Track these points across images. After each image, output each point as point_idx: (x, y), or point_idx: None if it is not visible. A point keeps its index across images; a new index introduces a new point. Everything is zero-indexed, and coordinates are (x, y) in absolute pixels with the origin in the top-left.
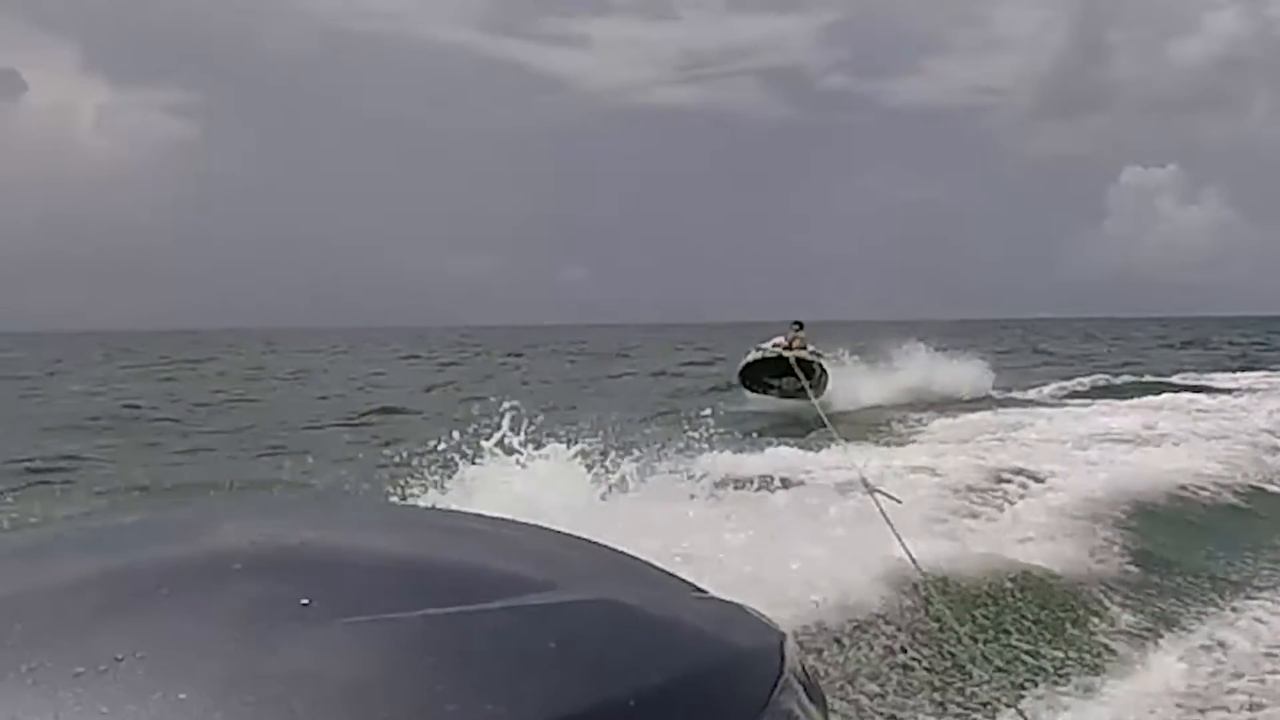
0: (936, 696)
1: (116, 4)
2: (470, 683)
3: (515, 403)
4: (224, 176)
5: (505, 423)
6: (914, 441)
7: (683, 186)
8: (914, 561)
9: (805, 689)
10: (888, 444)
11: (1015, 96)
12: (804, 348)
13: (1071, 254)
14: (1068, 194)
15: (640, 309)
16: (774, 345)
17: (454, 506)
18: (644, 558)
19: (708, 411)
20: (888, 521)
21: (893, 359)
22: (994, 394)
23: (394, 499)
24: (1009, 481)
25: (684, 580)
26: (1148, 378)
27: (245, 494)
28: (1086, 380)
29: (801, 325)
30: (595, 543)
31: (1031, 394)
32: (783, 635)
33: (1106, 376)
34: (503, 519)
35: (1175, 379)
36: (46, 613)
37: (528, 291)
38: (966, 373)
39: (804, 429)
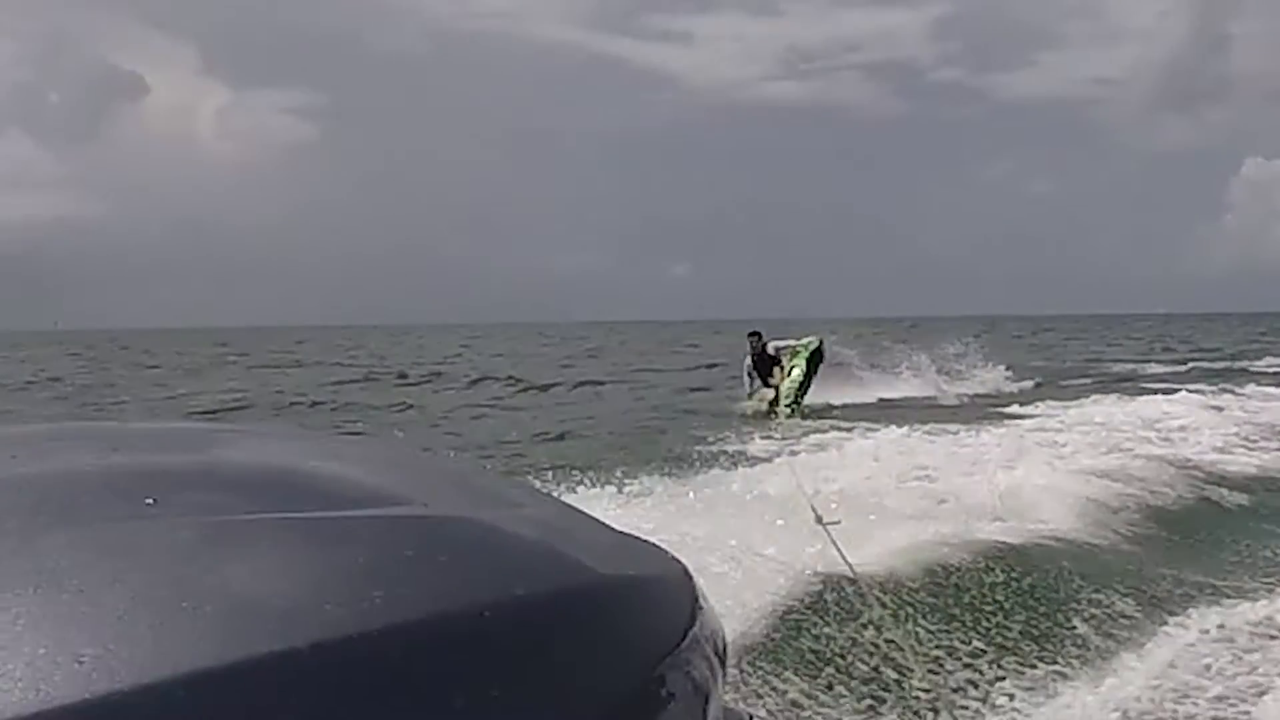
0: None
1: (234, 8)
2: (360, 581)
3: None
4: (339, 177)
5: None
6: None
7: (789, 182)
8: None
9: (713, 619)
10: None
11: (1132, 89)
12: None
13: (1192, 249)
14: (1187, 187)
15: (744, 305)
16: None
17: None
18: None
19: None
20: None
21: None
22: None
23: None
24: None
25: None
26: None
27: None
28: None
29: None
30: (521, 481)
31: None
32: (686, 565)
33: None
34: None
35: None
36: None
37: (634, 287)
38: None
39: None
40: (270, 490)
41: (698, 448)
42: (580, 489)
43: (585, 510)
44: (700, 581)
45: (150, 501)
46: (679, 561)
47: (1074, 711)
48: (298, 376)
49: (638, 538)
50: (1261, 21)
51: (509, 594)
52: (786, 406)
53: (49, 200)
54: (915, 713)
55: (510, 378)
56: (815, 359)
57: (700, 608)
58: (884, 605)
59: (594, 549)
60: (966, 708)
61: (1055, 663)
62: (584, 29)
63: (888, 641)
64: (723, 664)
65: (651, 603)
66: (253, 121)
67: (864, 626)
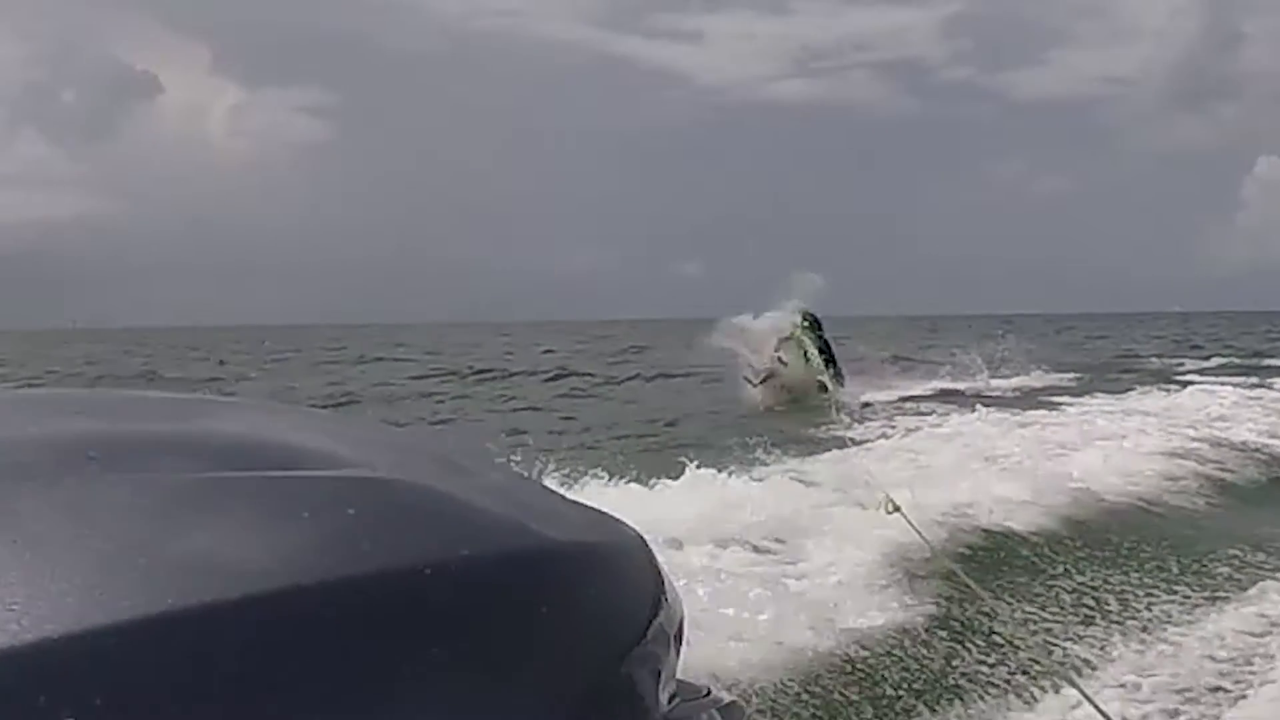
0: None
1: (246, 7)
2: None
3: None
4: (352, 175)
5: None
6: None
7: (800, 180)
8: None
9: (670, 592)
10: None
11: (1144, 87)
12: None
13: (1205, 247)
14: (1199, 186)
15: (757, 303)
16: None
17: None
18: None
19: None
20: (916, 530)
21: None
22: None
23: None
24: None
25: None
26: None
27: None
28: None
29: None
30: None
31: None
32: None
33: None
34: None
35: None
36: None
37: (647, 285)
38: None
39: None
40: (214, 451)
41: (805, 430)
42: (711, 466)
43: (547, 484)
44: (658, 555)
45: (93, 456)
46: (637, 533)
47: (1229, 624)
48: (377, 372)
49: (598, 510)
50: (1275, 20)
51: (454, 553)
52: (830, 379)
53: (63, 200)
54: (1121, 624)
55: (588, 373)
56: (813, 328)
57: (656, 579)
58: (1060, 556)
59: (548, 516)
60: (1153, 620)
61: (1208, 591)
62: (595, 28)
63: (1080, 581)
64: (679, 637)
65: (604, 571)
66: (265, 120)
67: (1056, 575)
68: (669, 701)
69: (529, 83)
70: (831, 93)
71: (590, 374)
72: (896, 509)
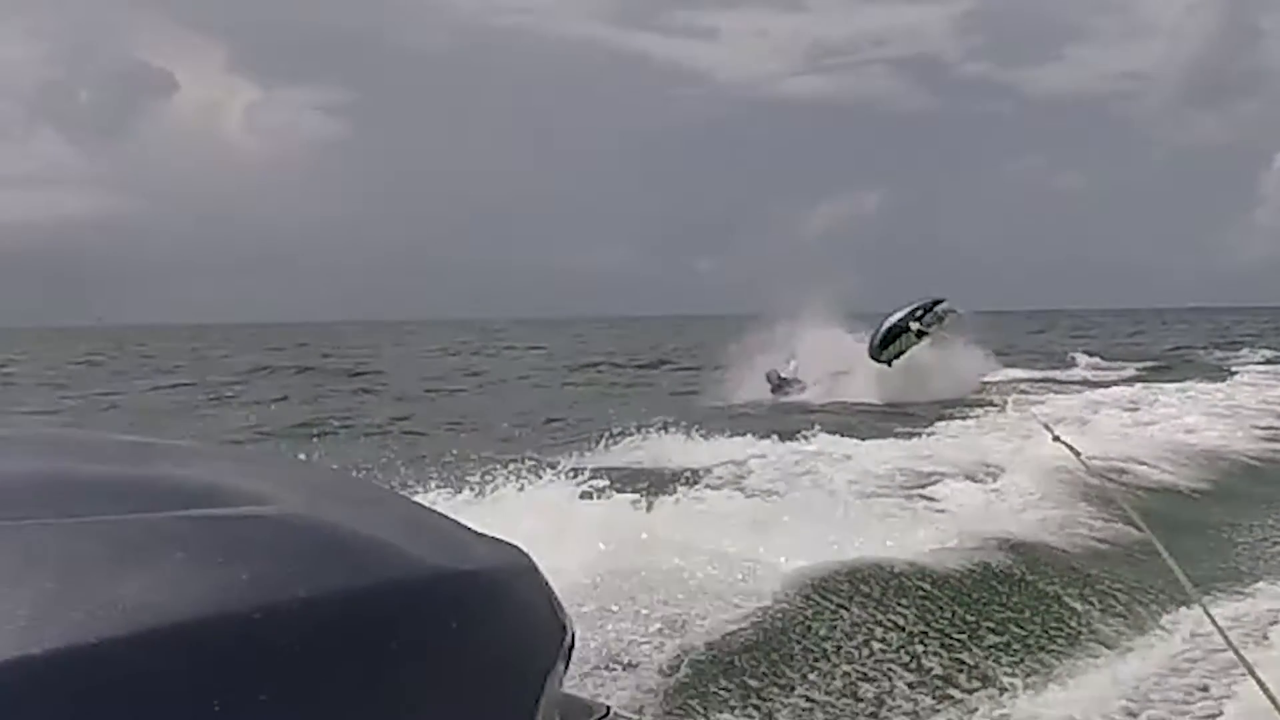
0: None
1: (264, 5)
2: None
3: None
4: (367, 173)
5: None
6: None
7: (811, 177)
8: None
9: (556, 614)
10: None
11: (1161, 83)
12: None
13: (1220, 243)
14: (1216, 181)
15: (770, 300)
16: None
17: None
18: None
19: None
20: (1079, 459)
21: None
22: None
23: None
24: None
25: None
26: None
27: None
28: None
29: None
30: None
31: None
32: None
33: None
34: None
35: None
36: None
37: (661, 283)
38: None
39: None
40: (102, 492)
41: (945, 409)
42: (879, 433)
43: (439, 511)
44: (547, 578)
45: None
46: (526, 556)
47: None
48: (502, 366)
49: (491, 536)
50: None
51: (345, 586)
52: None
53: (81, 197)
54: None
55: (691, 366)
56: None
57: (546, 601)
58: (1205, 496)
59: (441, 543)
60: None
61: None
62: (610, 25)
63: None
64: (567, 657)
65: (492, 595)
66: (282, 118)
67: (1203, 511)
68: None
69: (545, 80)
70: (846, 89)
71: (693, 366)
72: (1058, 439)
